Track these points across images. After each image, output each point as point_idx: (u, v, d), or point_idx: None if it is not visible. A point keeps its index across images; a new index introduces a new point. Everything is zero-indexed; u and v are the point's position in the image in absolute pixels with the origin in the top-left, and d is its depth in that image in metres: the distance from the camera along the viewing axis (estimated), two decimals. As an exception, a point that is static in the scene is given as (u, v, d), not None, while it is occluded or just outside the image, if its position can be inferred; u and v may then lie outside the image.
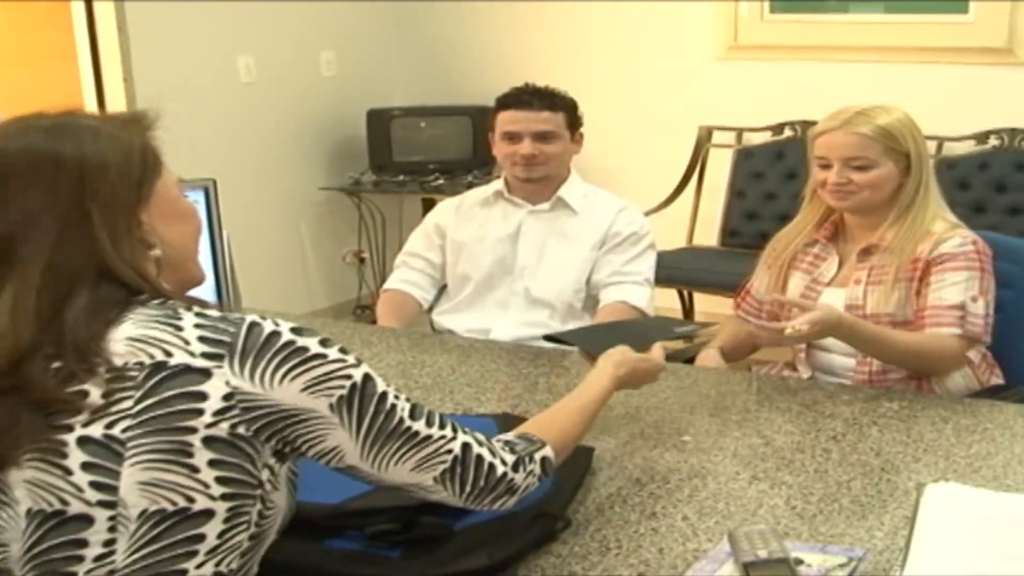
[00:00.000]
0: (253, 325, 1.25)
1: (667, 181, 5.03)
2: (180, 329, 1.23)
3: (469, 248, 2.93)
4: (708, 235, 5.03)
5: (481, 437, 1.42)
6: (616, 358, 1.82)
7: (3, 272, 1.22)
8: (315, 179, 5.46)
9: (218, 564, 1.22)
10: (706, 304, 4.75)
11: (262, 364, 1.23)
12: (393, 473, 1.33)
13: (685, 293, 4.91)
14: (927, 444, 1.92)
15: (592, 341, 2.09)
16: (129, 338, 1.22)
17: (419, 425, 1.34)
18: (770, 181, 4.90)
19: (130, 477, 1.18)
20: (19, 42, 4.99)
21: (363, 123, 5.37)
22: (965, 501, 1.44)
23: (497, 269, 2.91)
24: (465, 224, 2.97)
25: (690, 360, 2.48)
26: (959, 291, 2.26)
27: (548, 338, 2.35)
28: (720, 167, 5.04)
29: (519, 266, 2.89)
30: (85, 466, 1.19)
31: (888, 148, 2.31)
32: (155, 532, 1.19)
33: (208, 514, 1.21)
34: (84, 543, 1.19)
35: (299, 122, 5.34)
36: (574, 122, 2.88)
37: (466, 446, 1.38)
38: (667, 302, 4.75)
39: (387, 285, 3.03)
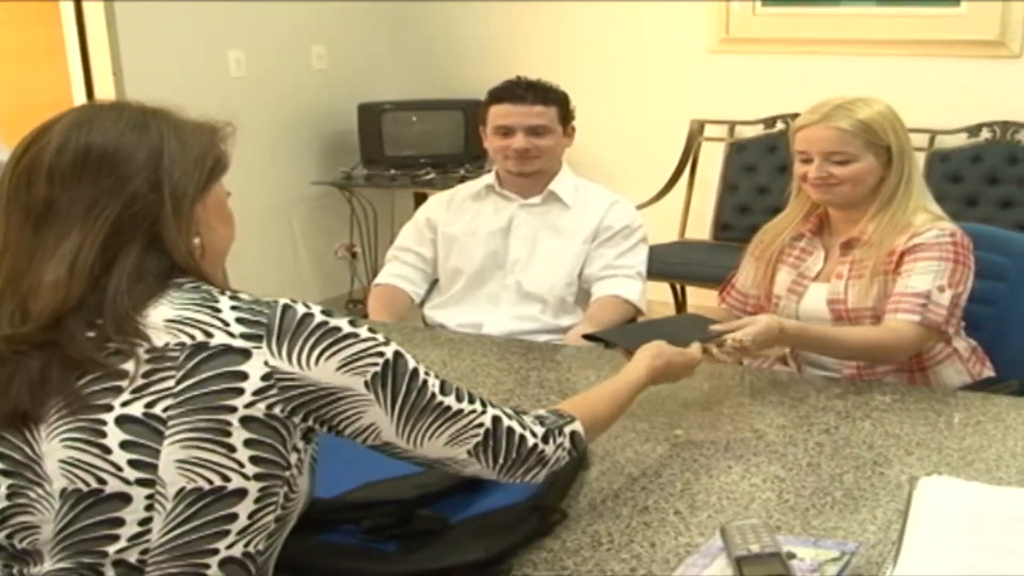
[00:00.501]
0: (287, 307, 1.29)
1: (659, 174, 5.02)
2: (218, 311, 1.27)
3: (460, 242, 2.93)
4: (700, 229, 5.03)
5: (510, 411, 1.45)
6: (652, 351, 1.87)
7: (71, 225, 1.26)
8: (306, 173, 5.44)
9: (247, 545, 1.25)
10: (698, 298, 4.75)
11: (299, 344, 1.27)
12: (428, 448, 1.36)
13: (677, 287, 4.91)
14: (919, 437, 1.91)
15: (631, 338, 2.08)
16: (168, 320, 1.25)
17: (450, 400, 1.38)
18: (762, 174, 4.90)
19: (169, 455, 1.21)
20: (8, 39, 4.97)
21: (354, 117, 5.35)
22: (958, 495, 1.43)
23: (489, 263, 2.90)
24: (456, 218, 2.96)
25: None
26: (927, 280, 2.22)
27: (588, 337, 2.38)
28: (712, 160, 5.03)
29: (511, 260, 2.89)
30: (124, 444, 1.21)
31: (868, 142, 2.30)
32: (191, 511, 1.21)
33: (241, 493, 1.23)
34: (120, 522, 1.21)
35: (290, 116, 5.32)
36: (566, 115, 2.88)
37: (496, 419, 1.42)
38: (659, 296, 4.75)
39: (378, 280, 3.02)
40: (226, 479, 1.23)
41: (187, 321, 1.25)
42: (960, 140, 4.56)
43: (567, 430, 1.51)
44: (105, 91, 4.58)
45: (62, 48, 4.71)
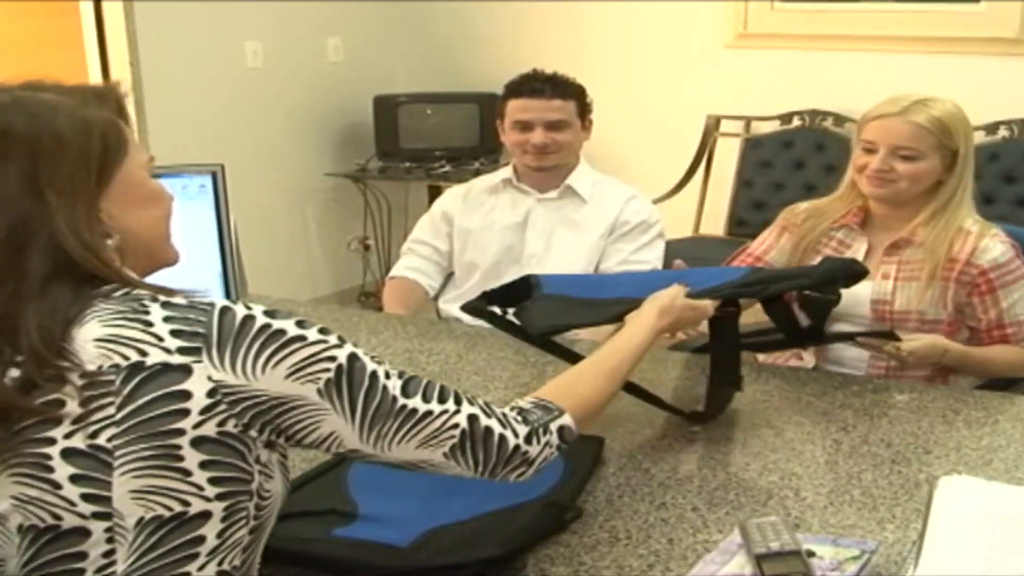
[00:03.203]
0: (224, 311, 1.19)
1: (674, 170, 5.01)
2: (150, 325, 1.16)
3: (476, 236, 2.92)
4: (715, 224, 5.02)
5: (490, 407, 1.35)
6: (664, 302, 1.74)
7: None
8: (321, 165, 5.45)
9: (220, 563, 1.19)
10: (712, 293, 4.73)
11: (241, 352, 1.17)
12: (398, 452, 1.27)
13: (691, 282, 4.89)
14: (937, 436, 1.91)
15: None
16: (97, 339, 1.15)
17: (415, 402, 1.27)
18: (778, 170, 4.89)
19: (122, 486, 1.13)
20: (26, 28, 4.98)
21: (369, 109, 5.35)
22: (979, 494, 1.42)
23: (504, 257, 2.90)
24: (472, 212, 2.95)
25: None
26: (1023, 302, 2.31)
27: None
28: (728, 156, 5.02)
29: (527, 255, 2.88)
30: (74, 478, 1.13)
31: (939, 142, 2.29)
32: (154, 539, 1.15)
33: (205, 516, 1.17)
34: (83, 556, 1.15)
35: (305, 108, 5.33)
36: (584, 109, 2.87)
37: (472, 418, 1.30)
38: (673, 291, 4.74)
39: (393, 272, 3.02)
40: (186, 504, 1.15)
41: (118, 340, 1.15)
42: (978, 138, 4.50)
43: (553, 427, 1.39)
44: (122, 81, 4.57)
45: (79, 38, 4.71)
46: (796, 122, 4.90)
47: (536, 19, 5.38)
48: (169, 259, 1.32)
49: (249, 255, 2.44)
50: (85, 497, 1.14)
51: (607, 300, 1.92)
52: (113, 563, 1.15)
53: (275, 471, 1.25)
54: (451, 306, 2.94)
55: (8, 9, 4.98)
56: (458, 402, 1.31)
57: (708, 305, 1.85)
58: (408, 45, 5.72)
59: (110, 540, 1.15)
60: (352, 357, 1.23)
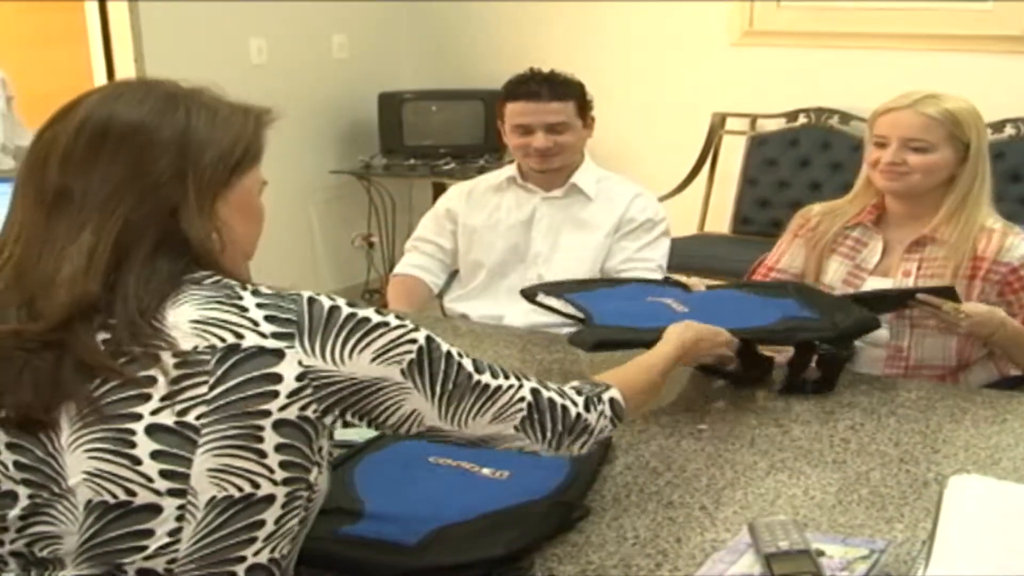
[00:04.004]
0: (312, 300, 1.25)
1: (680, 167, 5.01)
2: (245, 310, 1.21)
3: (481, 235, 2.91)
4: (720, 222, 5.01)
5: (547, 382, 1.43)
6: (681, 327, 1.87)
7: (86, 216, 1.20)
8: (325, 162, 5.44)
9: (272, 551, 1.22)
10: (717, 291, 4.73)
11: (331, 339, 1.22)
12: (473, 427, 1.34)
13: (696, 280, 4.88)
14: (946, 435, 1.90)
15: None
16: (194, 321, 1.19)
17: (486, 377, 1.35)
18: (783, 168, 4.88)
19: (201, 464, 1.16)
20: (32, 25, 4.98)
21: (374, 106, 5.34)
22: (989, 494, 1.42)
23: (510, 256, 2.88)
24: (477, 210, 2.94)
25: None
26: None
27: None
28: (733, 154, 5.01)
29: (532, 253, 2.87)
30: (155, 455, 1.16)
31: (951, 134, 2.28)
32: (220, 519, 1.18)
33: (270, 499, 1.20)
34: (149, 533, 1.17)
35: (310, 105, 5.32)
36: (584, 108, 2.83)
37: (536, 392, 1.40)
38: (678, 289, 4.73)
39: (397, 270, 3.01)
40: (256, 485, 1.18)
41: (214, 322, 1.19)
42: (983, 136, 4.52)
43: (605, 397, 1.49)
44: (126, 76, 4.57)
45: (83, 32, 4.71)
46: (802, 120, 4.89)
47: (542, 16, 5.37)
48: (244, 277, 1.33)
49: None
50: (163, 473, 1.16)
51: (653, 328, 1.96)
52: (177, 542, 1.17)
53: (325, 467, 1.28)
54: (456, 304, 2.93)
55: (14, 6, 4.98)
56: (519, 378, 1.39)
57: (726, 334, 1.95)
58: (413, 42, 5.71)
59: (180, 518, 1.17)
60: (430, 339, 1.30)
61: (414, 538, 1.46)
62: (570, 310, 2.21)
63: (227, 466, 1.17)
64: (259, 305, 1.22)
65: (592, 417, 1.45)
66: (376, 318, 1.27)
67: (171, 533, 1.17)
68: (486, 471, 1.65)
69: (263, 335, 1.20)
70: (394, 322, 1.28)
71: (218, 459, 1.17)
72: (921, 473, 1.74)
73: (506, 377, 1.38)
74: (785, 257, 2.53)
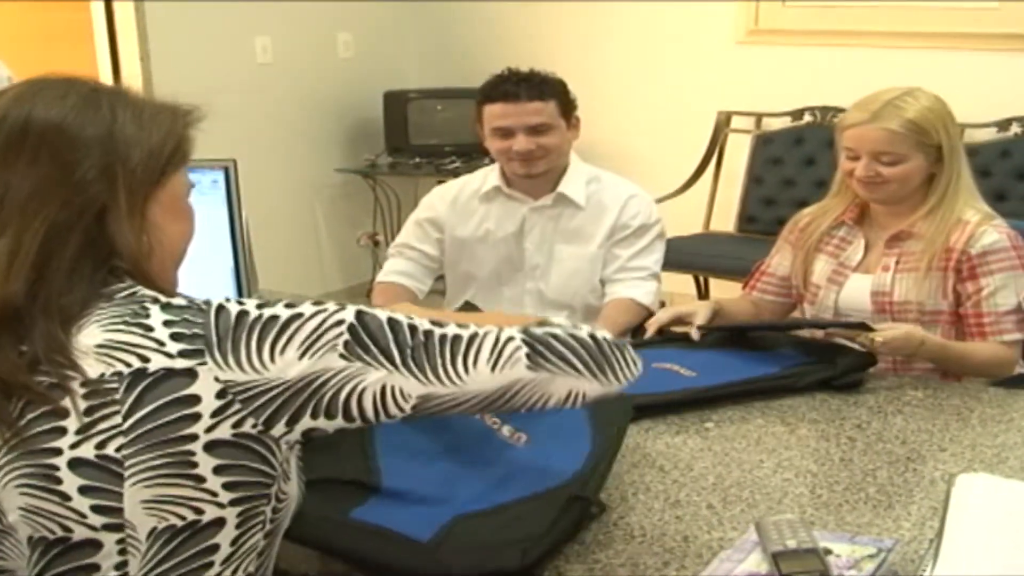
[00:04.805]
0: (220, 309, 1.17)
1: (685, 166, 5.00)
2: (150, 329, 1.14)
3: (472, 248, 2.80)
4: (725, 221, 5.01)
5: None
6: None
7: (5, 218, 1.15)
8: (331, 161, 5.45)
9: (235, 571, 1.17)
10: (721, 290, 4.72)
11: (243, 347, 1.14)
12: (474, 381, 1.19)
13: (701, 279, 4.89)
14: (952, 434, 1.90)
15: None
16: (99, 345, 1.13)
17: (453, 329, 1.21)
18: (788, 167, 4.87)
19: (133, 497, 1.11)
20: (37, 23, 4.98)
21: (380, 105, 5.35)
22: (997, 493, 1.42)
23: (504, 267, 2.81)
24: (464, 220, 2.83)
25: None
26: (1008, 294, 2.26)
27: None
28: (738, 152, 5.01)
29: (529, 265, 2.80)
30: (83, 490, 1.11)
31: (918, 142, 2.27)
32: (167, 550, 1.13)
33: (219, 523, 1.15)
34: (95, 567, 1.13)
35: (315, 104, 5.32)
36: (567, 107, 2.71)
37: (527, 330, 1.24)
38: (683, 287, 4.74)
39: (381, 277, 2.90)
40: (199, 512, 1.13)
41: (119, 346, 1.12)
42: (989, 134, 4.52)
43: (599, 334, 1.30)
44: (132, 75, 4.58)
45: (89, 32, 4.71)
46: (807, 118, 4.88)
47: (547, 15, 5.37)
48: (171, 283, 1.29)
49: (258, 250, 2.43)
50: (95, 509, 1.12)
51: (668, 392, 2.03)
52: (126, 574, 1.13)
53: (292, 472, 1.23)
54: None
55: (20, 5, 4.98)
56: (500, 328, 1.24)
57: None
58: (418, 41, 5.71)
59: (122, 552, 1.13)
60: (360, 313, 1.19)
61: (428, 531, 1.44)
62: None
63: (162, 496, 1.12)
64: (166, 323, 1.15)
65: (602, 333, 1.29)
66: (286, 313, 1.17)
67: (118, 567, 1.13)
68: (505, 430, 1.63)
69: (170, 355, 1.12)
70: (310, 311, 1.18)
71: (150, 490, 1.11)
72: (928, 471, 1.74)
73: (479, 328, 1.24)
74: (775, 260, 2.56)
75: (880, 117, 2.27)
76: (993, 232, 2.29)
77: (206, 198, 2.15)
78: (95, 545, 1.13)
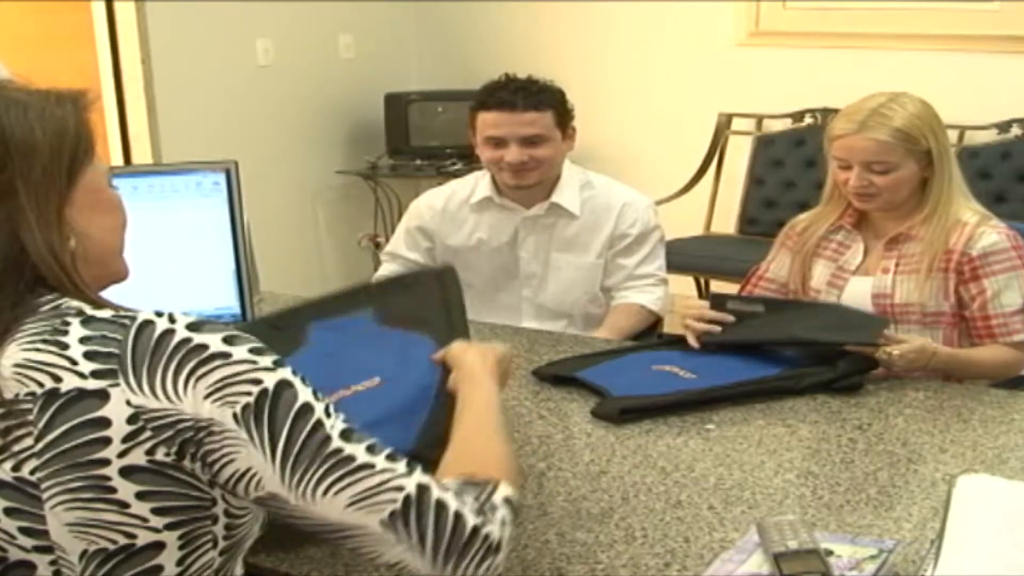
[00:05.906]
0: (144, 326, 1.10)
1: (686, 168, 5.00)
2: (65, 347, 1.08)
3: (465, 257, 2.75)
4: (726, 223, 5.01)
5: (447, 482, 1.16)
6: (473, 352, 1.54)
7: None
8: (332, 163, 5.45)
9: None
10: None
11: (159, 372, 1.07)
12: (325, 506, 1.09)
13: (702, 280, 4.89)
14: (953, 435, 1.90)
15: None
16: (16, 364, 1.08)
17: (354, 448, 1.10)
18: (789, 169, 4.88)
19: (56, 519, 1.07)
20: (38, 25, 4.98)
21: (381, 107, 5.35)
22: (999, 494, 1.42)
23: (500, 275, 2.79)
24: (455, 230, 2.80)
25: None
26: (1014, 294, 2.28)
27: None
28: (739, 154, 5.01)
29: (525, 274, 2.78)
30: (8, 512, 1.08)
31: (908, 150, 2.27)
32: (104, 570, 1.09)
33: (158, 546, 1.09)
34: None
35: (316, 105, 5.33)
36: (563, 118, 2.66)
37: (423, 487, 1.11)
38: (684, 289, 4.74)
39: (374, 282, 2.91)
40: (131, 536, 1.08)
41: (34, 365, 1.08)
42: (990, 136, 4.53)
43: (496, 499, 1.17)
44: (133, 77, 4.59)
45: (90, 33, 4.72)
46: (808, 120, 4.89)
47: (549, 17, 5.37)
48: (120, 273, 1.25)
49: (259, 252, 2.44)
50: (23, 531, 1.09)
51: (668, 393, 2.03)
52: None
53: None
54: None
55: (20, 6, 4.97)
56: (410, 468, 1.13)
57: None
58: (419, 42, 5.72)
59: (57, 573, 1.10)
60: (283, 384, 1.10)
61: None
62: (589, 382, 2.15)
63: (86, 519, 1.07)
64: (83, 339, 1.09)
65: (495, 529, 1.14)
66: (217, 347, 1.09)
67: None
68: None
69: (83, 375, 1.07)
70: (240, 355, 1.09)
71: (72, 513, 1.07)
72: (929, 472, 1.74)
73: (389, 459, 1.12)
74: (774, 265, 2.55)
75: (867, 127, 2.27)
76: (992, 233, 2.29)
77: (207, 200, 2.16)
78: (29, 567, 1.10)
